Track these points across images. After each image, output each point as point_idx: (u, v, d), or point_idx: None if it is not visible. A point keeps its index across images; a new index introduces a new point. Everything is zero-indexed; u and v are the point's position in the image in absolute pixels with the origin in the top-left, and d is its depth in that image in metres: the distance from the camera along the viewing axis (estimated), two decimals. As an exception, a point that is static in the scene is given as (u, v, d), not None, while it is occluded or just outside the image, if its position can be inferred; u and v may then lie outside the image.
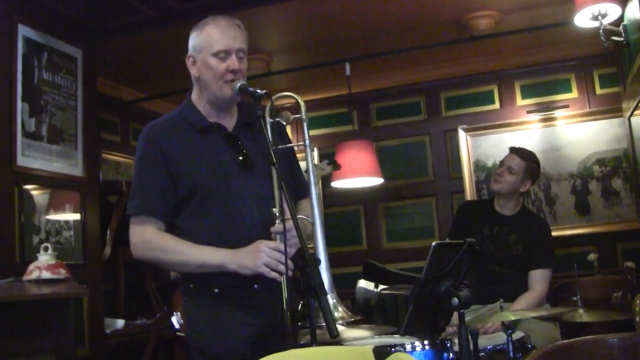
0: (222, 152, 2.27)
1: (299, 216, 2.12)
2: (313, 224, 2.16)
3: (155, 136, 2.27)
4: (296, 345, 2.12)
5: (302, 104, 2.30)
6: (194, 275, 2.23)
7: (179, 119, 2.32)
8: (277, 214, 2.13)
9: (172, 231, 2.25)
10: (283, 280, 2.08)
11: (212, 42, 2.23)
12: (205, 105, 2.32)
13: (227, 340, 2.19)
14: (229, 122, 2.34)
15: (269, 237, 2.17)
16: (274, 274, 2.10)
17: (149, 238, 2.22)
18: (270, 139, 2.12)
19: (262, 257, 2.10)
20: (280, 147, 2.19)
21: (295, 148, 2.51)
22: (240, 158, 2.26)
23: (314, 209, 2.18)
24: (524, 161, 3.55)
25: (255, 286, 2.19)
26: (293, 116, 2.35)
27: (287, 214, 2.07)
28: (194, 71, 2.30)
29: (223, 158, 2.26)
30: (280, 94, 2.37)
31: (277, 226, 2.12)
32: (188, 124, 2.30)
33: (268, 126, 2.16)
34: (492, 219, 3.58)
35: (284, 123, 2.38)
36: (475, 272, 3.54)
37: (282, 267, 2.08)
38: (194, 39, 2.29)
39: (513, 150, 3.64)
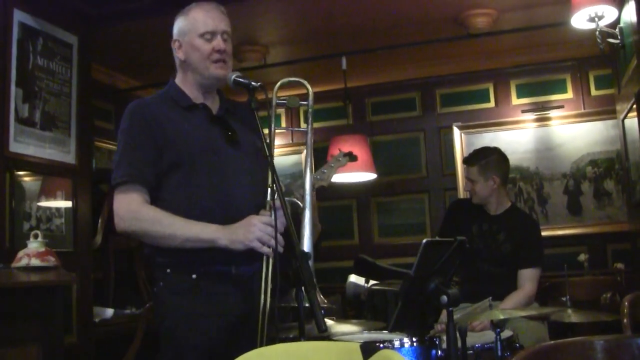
0: (208, 129, 2.30)
1: (291, 199, 2.18)
2: (303, 208, 2.16)
3: (141, 110, 2.28)
4: (276, 328, 2.10)
5: (311, 93, 2.32)
6: (172, 260, 2.19)
7: (165, 98, 2.35)
8: (269, 192, 2.15)
9: (155, 204, 2.20)
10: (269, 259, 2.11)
11: (198, 24, 2.29)
12: (191, 88, 2.35)
13: (200, 330, 2.16)
14: (213, 106, 2.38)
15: (251, 213, 2.18)
16: (265, 249, 2.10)
17: (136, 208, 2.17)
18: (262, 133, 2.14)
19: (254, 231, 2.09)
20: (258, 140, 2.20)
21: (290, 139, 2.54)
22: (230, 133, 2.29)
23: (307, 195, 2.17)
24: (475, 165, 3.55)
25: (233, 270, 2.17)
26: (301, 102, 2.37)
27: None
28: (180, 55, 2.33)
29: (210, 134, 2.29)
30: (290, 79, 2.41)
31: (276, 201, 2.12)
32: (174, 102, 2.32)
33: (259, 120, 2.18)
34: (482, 218, 3.58)
35: (290, 107, 2.40)
36: (465, 270, 3.55)
37: (273, 242, 2.08)
38: (180, 23, 2.35)
39: (464, 161, 3.69)
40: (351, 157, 2.65)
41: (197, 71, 2.30)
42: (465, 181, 3.69)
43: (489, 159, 3.57)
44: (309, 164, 2.25)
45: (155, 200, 2.22)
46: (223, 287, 2.19)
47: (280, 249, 2.09)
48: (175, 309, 2.19)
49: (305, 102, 2.34)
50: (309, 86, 2.35)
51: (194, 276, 2.17)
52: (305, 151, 2.30)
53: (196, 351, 2.16)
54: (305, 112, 6.13)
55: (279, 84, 2.28)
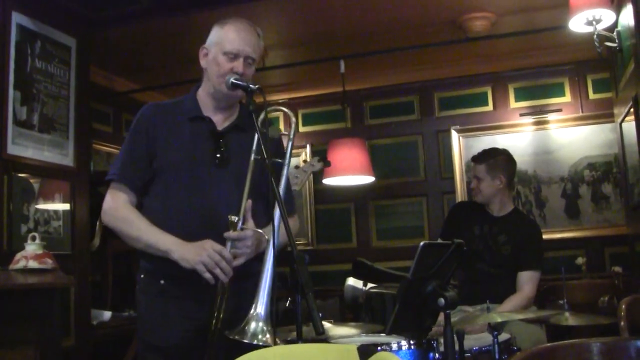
0: (202, 145, 2.34)
1: (257, 230, 2.19)
2: (267, 241, 2.13)
3: (147, 113, 2.40)
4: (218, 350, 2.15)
5: (293, 120, 2.31)
6: (146, 265, 2.32)
7: (179, 105, 2.45)
8: (236, 222, 2.17)
9: (139, 208, 2.34)
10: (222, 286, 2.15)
11: (226, 41, 2.33)
12: (206, 98, 2.41)
13: (166, 332, 2.24)
14: (224, 120, 2.41)
15: (220, 236, 2.19)
16: (208, 275, 2.13)
17: (117, 207, 2.32)
18: (260, 138, 2.15)
19: (202, 255, 2.13)
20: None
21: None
22: (222, 150, 2.32)
23: (275, 226, 2.09)
24: (483, 163, 3.59)
25: (203, 280, 2.18)
26: (281, 133, 2.35)
27: (251, 224, 2.18)
28: (203, 62, 2.41)
29: (201, 150, 2.33)
30: (274, 107, 2.42)
31: (231, 233, 2.17)
32: (182, 111, 2.40)
33: (259, 123, 2.18)
34: (483, 219, 3.60)
35: (272, 136, 2.37)
36: (464, 271, 3.56)
37: (218, 271, 2.13)
38: (213, 33, 2.40)
39: (473, 159, 3.71)
40: (325, 162, 2.64)
41: (211, 82, 2.37)
42: (471, 179, 3.69)
43: (497, 159, 3.61)
44: (279, 196, 2.16)
45: (139, 204, 2.35)
46: (190, 293, 2.24)
47: (225, 279, 2.14)
48: (145, 311, 2.34)
49: (287, 133, 2.32)
50: (292, 115, 2.33)
51: (162, 282, 2.28)
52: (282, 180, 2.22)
53: (161, 352, 2.24)
54: (304, 116, 6.07)
55: (263, 113, 2.26)
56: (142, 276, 2.34)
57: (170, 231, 2.22)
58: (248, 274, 2.21)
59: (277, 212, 2.09)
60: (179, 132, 2.35)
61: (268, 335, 2.00)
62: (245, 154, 2.29)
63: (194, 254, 2.15)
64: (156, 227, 2.24)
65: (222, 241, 2.18)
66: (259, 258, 2.19)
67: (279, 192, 2.06)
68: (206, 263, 2.13)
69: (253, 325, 2.01)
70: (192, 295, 2.24)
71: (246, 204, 2.20)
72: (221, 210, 2.24)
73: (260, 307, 2.03)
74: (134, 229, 2.27)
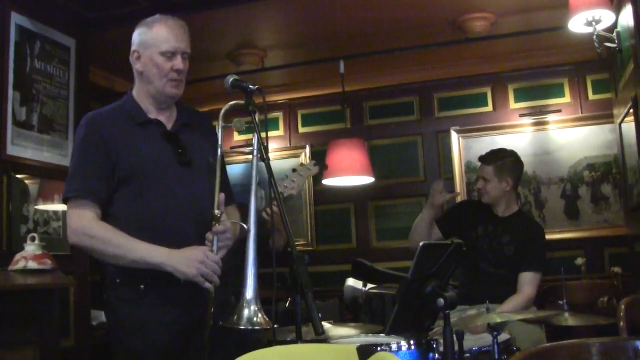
0: (160, 146, 2.31)
1: (234, 222, 2.21)
2: (248, 230, 2.14)
3: (96, 123, 2.31)
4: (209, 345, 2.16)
5: (257, 116, 2.29)
6: (122, 270, 2.21)
7: (120, 111, 2.37)
8: (218, 216, 2.16)
9: (105, 219, 2.23)
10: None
11: (160, 41, 2.30)
12: (146, 101, 2.36)
13: (148, 340, 2.19)
14: (167, 120, 2.39)
15: (201, 232, 2.20)
16: (207, 285, 2.13)
17: (88, 224, 2.20)
18: (260, 136, 2.17)
19: (200, 268, 2.12)
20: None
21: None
22: (180, 151, 2.30)
23: (251, 216, 2.15)
24: (492, 165, 3.58)
25: (182, 282, 2.17)
26: (247, 124, 2.33)
27: (224, 217, 2.18)
28: (138, 66, 2.35)
29: (161, 151, 2.30)
30: (234, 102, 2.33)
31: (217, 227, 2.17)
32: (129, 117, 2.34)
33: (257, 121, 2.19)
34: (489, 219, 3.59)
35: (237, 131, 2.38)
36: (467, 270, 3.56)
37: (216, 279, 2.14)
38: (142, 36, 2.35)
39: (480, 159, 3.69)
40: (322, 166, 2.64)
41: (153, 85, 2.32)
42: (478, 179, 3.68)
43: (505, 161, 3.60)
44: (254, 187, 2.17)
45: (105, 215, 2.24)
46: (171, 298, 2.21)
47: (218, 282, 2.14)
48: (124, 318, 2.23)
49: (249, 125, 2.32)
50: (256, 111, 2.33)
51: (142, 287, 2.20)
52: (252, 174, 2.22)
53: (143, 357, 2.19)
54: (304, 117, 6.08)
55: (224, 109, 2.26)
56: (117, 281, 2.24)
57: (150, 236, 2.17)
58: (229, 268, 2.24)
59: (252, 203, 2.13)
60: (134, 139, 2.29)
61: (260, 316, 2.03)
62: (200, 149, 2.32)
63: (188, 266, 2.12)
64: (135, 238, 2.16)
65: (204, 237, 2.19)
66: (236, 252, 2.21)
67: (278, 193, 2.07)
68: (205, 275, 2.12)
69: (246, 312, 2.03)
70: (172, 300, 2.20)
71: (219, 197, 2.19)
72: (196, 206, 2.24)
73: (249, 293, 2.05)
74: (114, 247, 2.17)
